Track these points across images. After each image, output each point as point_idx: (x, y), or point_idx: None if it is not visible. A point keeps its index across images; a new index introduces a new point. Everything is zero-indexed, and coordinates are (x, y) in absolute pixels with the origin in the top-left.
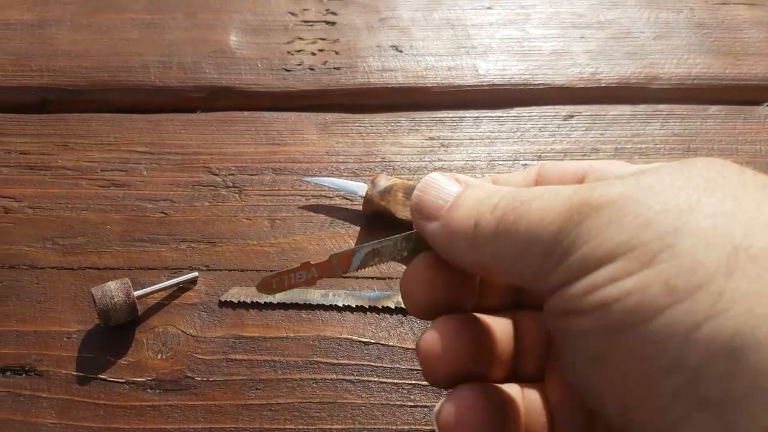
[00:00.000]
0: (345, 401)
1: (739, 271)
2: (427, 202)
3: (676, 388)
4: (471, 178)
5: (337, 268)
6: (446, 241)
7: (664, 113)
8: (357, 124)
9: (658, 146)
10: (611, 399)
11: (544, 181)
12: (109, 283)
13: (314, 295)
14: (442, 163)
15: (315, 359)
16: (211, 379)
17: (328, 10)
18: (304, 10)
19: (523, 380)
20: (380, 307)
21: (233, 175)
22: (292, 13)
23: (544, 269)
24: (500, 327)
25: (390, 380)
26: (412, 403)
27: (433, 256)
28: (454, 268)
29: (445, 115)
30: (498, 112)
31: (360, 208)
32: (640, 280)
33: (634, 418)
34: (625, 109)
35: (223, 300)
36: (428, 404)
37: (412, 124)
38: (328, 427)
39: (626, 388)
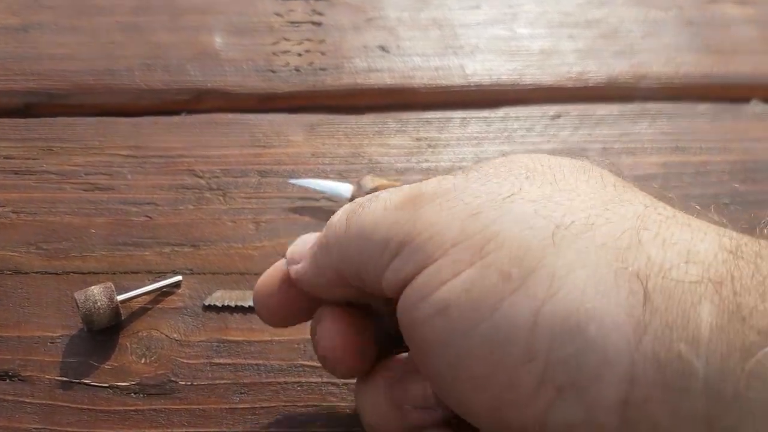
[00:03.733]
0: (329, 404)
1: (565, 248)
2: (295, 250)
3: (535, 379)
4: None
5: None
6: (310, 268)
7: (652, 112)
8: (343, 126)
9: (646, 145)
10: (481, 404)
11: None
12: (92, 287)
13: None
14: (429, 163)
15: (299, 362)
16: (195, 383)
17: (314, 10)
18: (290, 11)
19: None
20: None
21: (218, 177)
22: (278, 14)
23: (382, 262)
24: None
25: None
26: None
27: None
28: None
29: (432, 115)
30: (485, 113)
31: None
32: (475, 273)
33: (504, 416)
34: (614, 108)
35: (207, 304)
36: None
37: (399, 125)
38: (313, 430)
39: (488, 393)
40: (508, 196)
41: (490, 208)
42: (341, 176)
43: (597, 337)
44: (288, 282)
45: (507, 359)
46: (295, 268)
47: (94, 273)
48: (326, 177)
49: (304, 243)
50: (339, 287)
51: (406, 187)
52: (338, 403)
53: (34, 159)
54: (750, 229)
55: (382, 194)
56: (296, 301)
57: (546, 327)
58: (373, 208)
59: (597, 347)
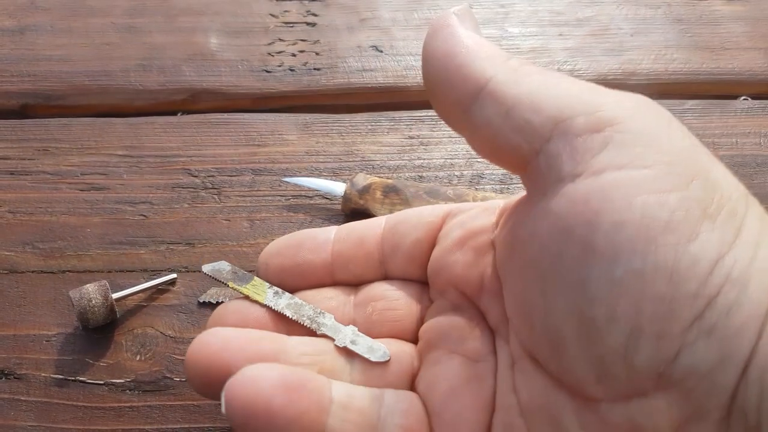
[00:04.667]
0: None
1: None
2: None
3: (693, 314)
4: None
5: None
6: None
7: None
8: (337, 124)
9: None
10: (616, 325)
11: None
12: (87, 285)
13: None
14: (422, 161)
15: None
16: None
17: (308, 11)
18: (285, 11)
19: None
20: None
21: (212, 176)
22: (273, 15)
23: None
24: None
25: None
26: None
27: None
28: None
29: (424, 114)
30: None
31: (339, 207)
32: (682, 201)
33: (640, 346)
34: None
35: (201, 301)
36: None
37: (392, 124)
38: None
39: (648, 311)
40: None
41: (695, 153)
42: (335, 174)
43: (755, 292)
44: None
45: (681, 287)
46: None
47: (90, 272)
48: (320, 175)
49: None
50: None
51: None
52: None
53: (30, 159)
54: None
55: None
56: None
57: (722, 272)
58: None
59: (754, 302)
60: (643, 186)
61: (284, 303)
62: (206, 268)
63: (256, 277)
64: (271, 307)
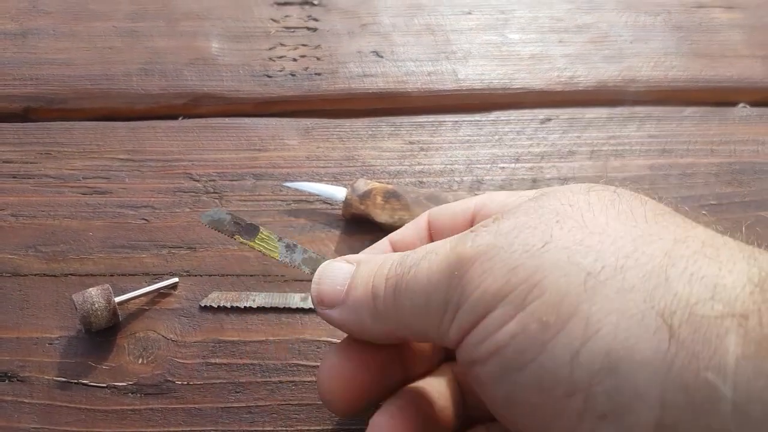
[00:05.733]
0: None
1: (597, 295)
2: (325, 291)
3: (578, 409)
4: (361, 255)
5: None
6: (352, 321)
7: (640, 115)
8: (338, 129)
9: (634, 148)
10: (533, 429)
11: (438, 229)
12: (90, 289)
13: (294, 299)
14: (422, 166)
15: (294, 362)
16: (192, 383)
17: (309, 16)
18: (286, 16)
19: (481, 421)
20: None
21: (214, 180)
22: (274, 20)
23: (443, 325)
24: (436, 388)
25: None
26: None
27: (341, 349)
28: (367, 352)
29: (424, 119)
30: (477, 116)
31: (340, 212)
32: (519, 322)
33: None
34: (602, 112)
35: (203, 305)
36: None
37: (392, 129)
38: (307, 428)
39: (539, 419)
40: (542, 246)
41: (527, 260)
42: (335, 179)
43: (628, 373)
44: (349, 361)
45: (552, 393)
46: (329, 314)
47: (92, 275)
48: (321, 180)
49: (334, 283)
50: (384, 337)
51: (441, 248)
52: None
53: (32, 163)
54: (734, 229)
55: (422, 261)
56: (365, 383)
57: (584, 367)
58: (419, 277)
59: (629, 382)
60: (495, 327)
61: (300, 258)
62: (204, 218)
63: (263, 229)
64: (288, 264)
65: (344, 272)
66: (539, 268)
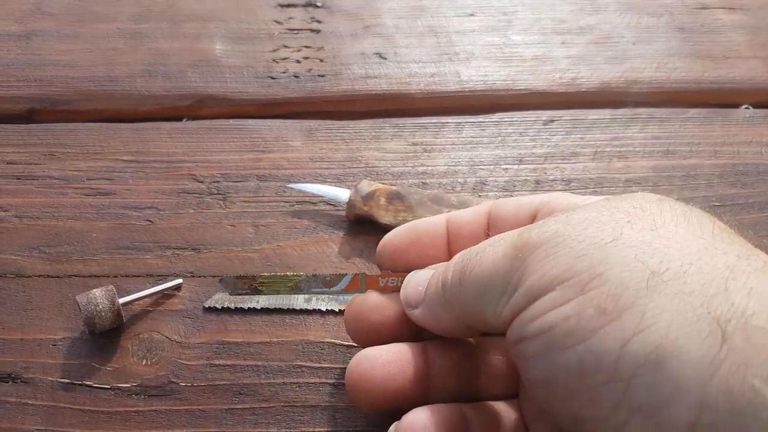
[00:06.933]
0: (328, 404)
1: (657, 293)
2: (409, 293)
3: (615, 398)
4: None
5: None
6: (429, 316)
7: (643, 116)
8: (341, 131)
9: (637, 149)
10: (564, 413)
11: (498, 219)
12: (94, 290)
13: (298, 300)
14: (425, 167)
15: (298, 363)
16: (195, 385)
17: (313, 18)
18: (290, 18)
19: (498, 398)
20: None
21: (218, 182)
22: (278, 22)
23: (500, 305)
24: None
25: None
26: None
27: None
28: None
29: (427, 120)
30: (480, 118)
31: (344, 213)
32: (576, 306)
33: (584, 427)
34: (605, 113)
35: (207, 306)
36: None
37: (396, 130)
38: (311, 429)
39: (574, 403)
40: (611, 241)
41: (594, 251)
42: (339, 180)
43: (673, 369)
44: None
45: (592, 378)
46: (415, 314)
47: (96, 276)
48: (324, 181)
49: (416, 285)
50: (456, 328)
51: (508, 236)
52: (336, 403)
53: (36, 164)
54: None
55: (488, 247)
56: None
57: (631, 357)
58: (483, 261)
59: (672, 378)
60: (548, 307)
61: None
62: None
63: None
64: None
65: (425, 275)
66: (604, 260)
